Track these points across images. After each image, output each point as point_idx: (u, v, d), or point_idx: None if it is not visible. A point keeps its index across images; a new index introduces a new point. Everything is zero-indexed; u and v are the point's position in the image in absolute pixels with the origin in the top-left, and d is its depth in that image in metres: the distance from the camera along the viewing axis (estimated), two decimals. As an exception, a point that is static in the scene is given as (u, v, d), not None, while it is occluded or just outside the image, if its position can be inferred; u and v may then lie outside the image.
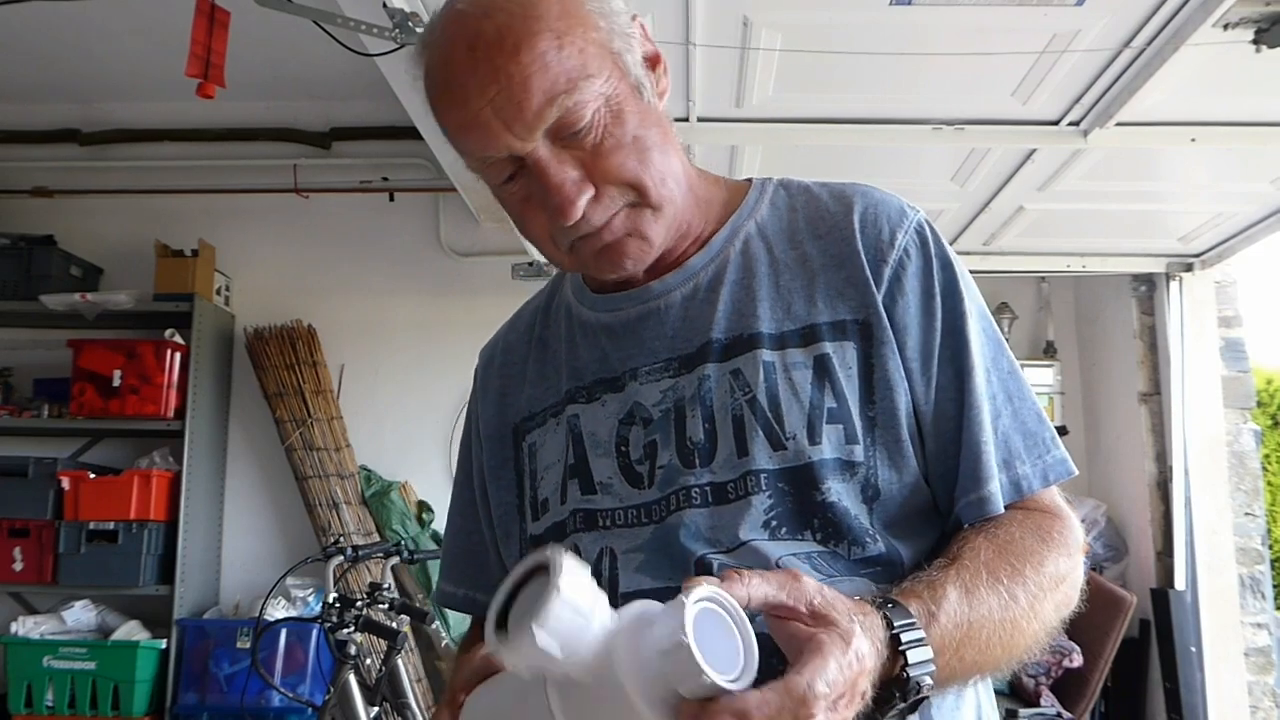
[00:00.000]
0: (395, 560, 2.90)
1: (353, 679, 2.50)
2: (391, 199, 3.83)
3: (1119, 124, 2.42)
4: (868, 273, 0.83)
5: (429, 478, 3.73)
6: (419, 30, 1.99)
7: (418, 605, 2.74)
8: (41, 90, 3.79)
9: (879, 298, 0.82)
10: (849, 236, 0.85)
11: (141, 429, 3.54)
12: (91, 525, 3.30)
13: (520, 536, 0.91)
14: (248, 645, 3.18)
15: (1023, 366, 0.87)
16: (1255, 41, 1.98)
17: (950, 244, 0.88)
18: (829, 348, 0.81)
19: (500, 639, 0.56)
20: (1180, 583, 3.49)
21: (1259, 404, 5.05)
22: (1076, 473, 0.83)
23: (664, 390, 0.84)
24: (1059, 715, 3.23)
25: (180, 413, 3.45)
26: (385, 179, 3.83)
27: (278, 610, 3.21)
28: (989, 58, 2.12)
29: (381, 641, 2.77)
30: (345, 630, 2.51)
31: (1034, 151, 2.64)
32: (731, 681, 0.54)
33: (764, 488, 0.78)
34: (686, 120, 2.47)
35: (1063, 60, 2.15)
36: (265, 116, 3.85)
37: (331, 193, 3.83)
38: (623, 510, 0.82)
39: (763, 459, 0.78)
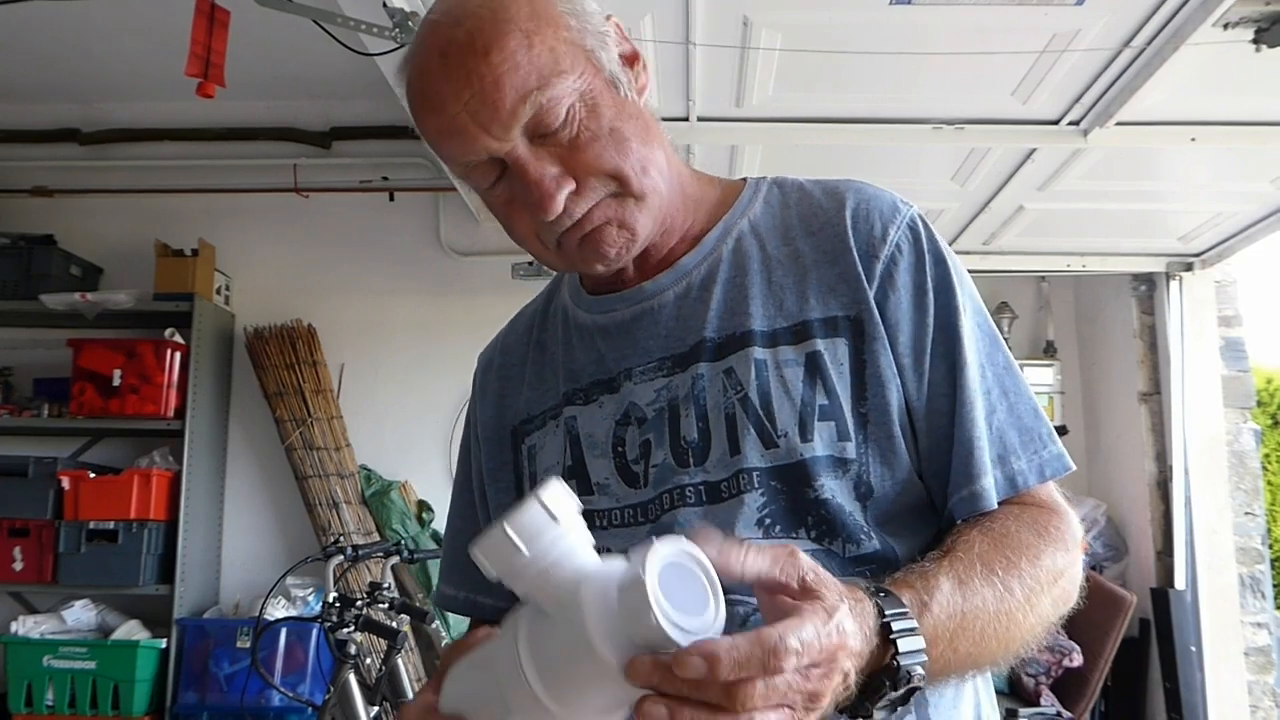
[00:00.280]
0: (395, 560, 2.90)
1: (353, 678, 2.50)
2: (391, 198, 3.83)
3: (1119, 123, 2.42)
4: (860, 268, 0.83)
5: (429, 477, 3.73)
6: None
7: (418, 605, 2.74)
8: (41, 90, 3.79)
9: (871, 293, 0.82)
10: (841, 232, 0.85)
11: (141, 429, 3.54)
12: (91, 525, 3.30)
13: None
14: (248, 645, 3.18)
15: (1023, 366, 0.87)
16: (1255, 41, 1.98)
17: (950, 244, 0.87)
18: (820, 344, 0.81)
19: (477, 543, 0.58)
20: (1180, 582, 3.49)
21: (1259, 404, 5.05)
22: (1074, 468, 0.83)
23: (658, 390, 0.84)
24: (1059, 715, 3.23)
25: (180, 412, 3.45)
26: (385, 178, 3.83)
27: (278, 610, 3.21)
28: (989, 57, 2.12)
29: (381, 641, 2.77)
30: (345, 630, 2.51)
31: (1034, 151, 2.64)
32: (685, 634, 0.53)
33: (756, 485, 0.78)
34: (686, 120, 2.47)
35: (1063, 60, 2.15)
36: (265, 116, 3.85)
37: (331, 192, 3.83)
38: (619, 510, 0.82)
39: (754, 457, 0.78)
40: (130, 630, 3.35)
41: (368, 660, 2.98)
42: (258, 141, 3.84)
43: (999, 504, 0.79)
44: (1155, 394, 3.70)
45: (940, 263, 0.84)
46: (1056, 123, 2.48)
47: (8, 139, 3.85)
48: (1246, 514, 3.70)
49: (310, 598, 3.37)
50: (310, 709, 3.06)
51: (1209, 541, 3.55)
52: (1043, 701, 3.26)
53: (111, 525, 3.30)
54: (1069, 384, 4.06)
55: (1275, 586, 3.98)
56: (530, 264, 3.58)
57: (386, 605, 2.61)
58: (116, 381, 3.40)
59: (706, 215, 0.90)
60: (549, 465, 0.89)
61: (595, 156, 0.78)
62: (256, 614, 2.89)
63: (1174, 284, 3.64)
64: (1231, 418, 3.74)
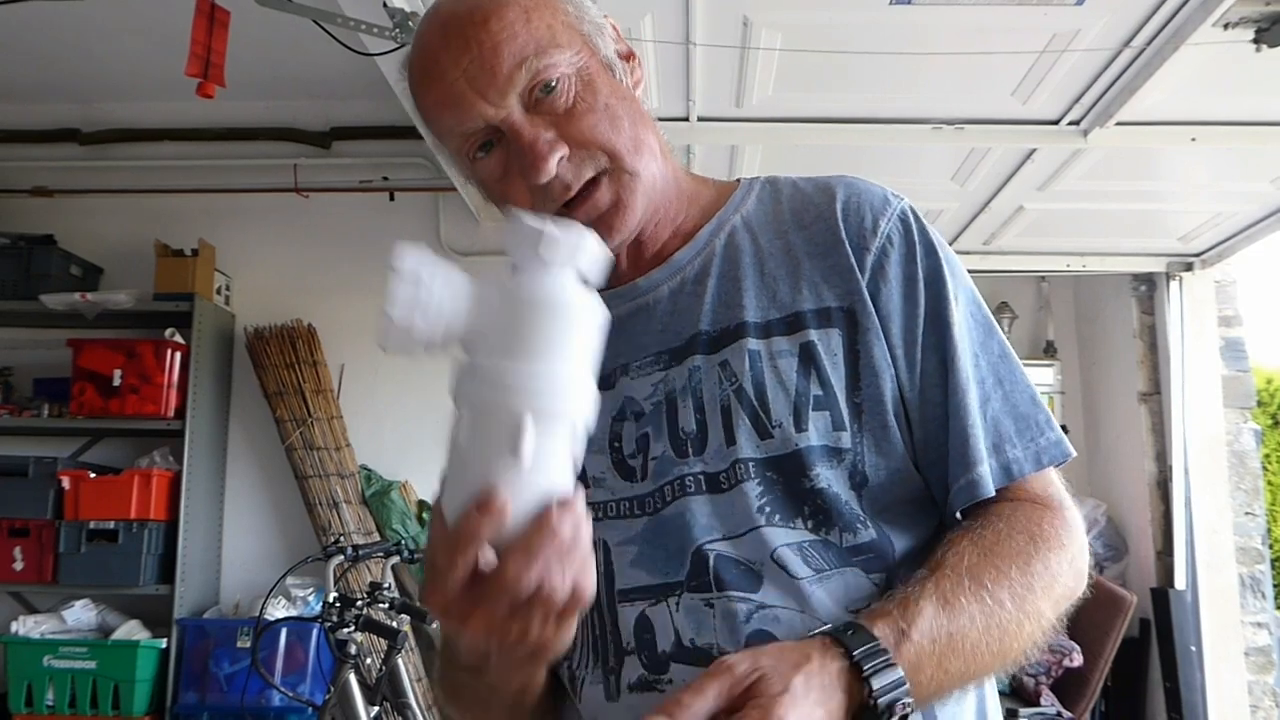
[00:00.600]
0: (395, 560, 2.90)
1: (353, 678, 2.50)
2: (391, 198, 3.83)
3: (1119, 123, 2.42)
4: (852, 260, 0.83)
5: (429, 477, 3.73)
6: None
7: (418, 605, 2.74)
8: (41, 90, 3.79)
9: (863, 284, 0.82)
10: (833, 225, 0.85)
11: (141, 429, 3.53)
12: (92, 525, 3.30)
13: None
14: (248, 645, 3.18)
15: (1024, 366, 0.87)
16: (1255, 41, 1.98)
17: (950, 243, 0.88)
18: (814, 335, 0.81)
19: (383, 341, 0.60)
20: (1180, 582, 3.49)
21: (1259, 404, 5.04)
22: (1074, 454, 0.83)
23: (654, 383, 0.84)
24: (1059, 715, 3.23)
25: (180, 412, 3.45)
26: (385, 178, 3.82)
27: (278, 610, 3.21)
28: (989, 57, 2.12)
29: (382, 641, 2.77)
30: (345, 630, 2.51)
31: (1034, 151, 2.64)
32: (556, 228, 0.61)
33: (753, 475, 0.78)
34: (686, 120, 2.48)
35: (1063, 60, 2.15)
36: (265, 116, 3.85)
37: (331, 192, 3.83)
38: (614, 503, 0.83)
39: (749, 448, 0.79)
40: (130, 630, 3.35)
41: (368, 660, 2.98)
42: (258, 141, 3.84)
43: (996, 495, 0.79)
44: (1155, 394, 3.70)
45: (931, 254, 0.84)
46: (1056, 123, 2.48)
47: (8, 139, 3.85)
48: (1246, 514, 3.70)
49: (310, 598, 3.37)
50: (310, 709, 3.06)
51: (1209, 541, 3.55)
52: (1043, 701, 3.26)
53: (112, 525, 3.30)
54: (1069, 384, 4.06)
55: (1275, 586, 3.98)
56: (530, 264, 3.58)
57: (387, 605, 2.61)
58: (116, 381, 3.40)
59: (700, 212, 0.91)
60: None
61: (590, 127, 0.79)
62: (257, 614, 2.89)
63: (1174, 284, 3.64)
64: (1231, 418, 3.74)
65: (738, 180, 0.95)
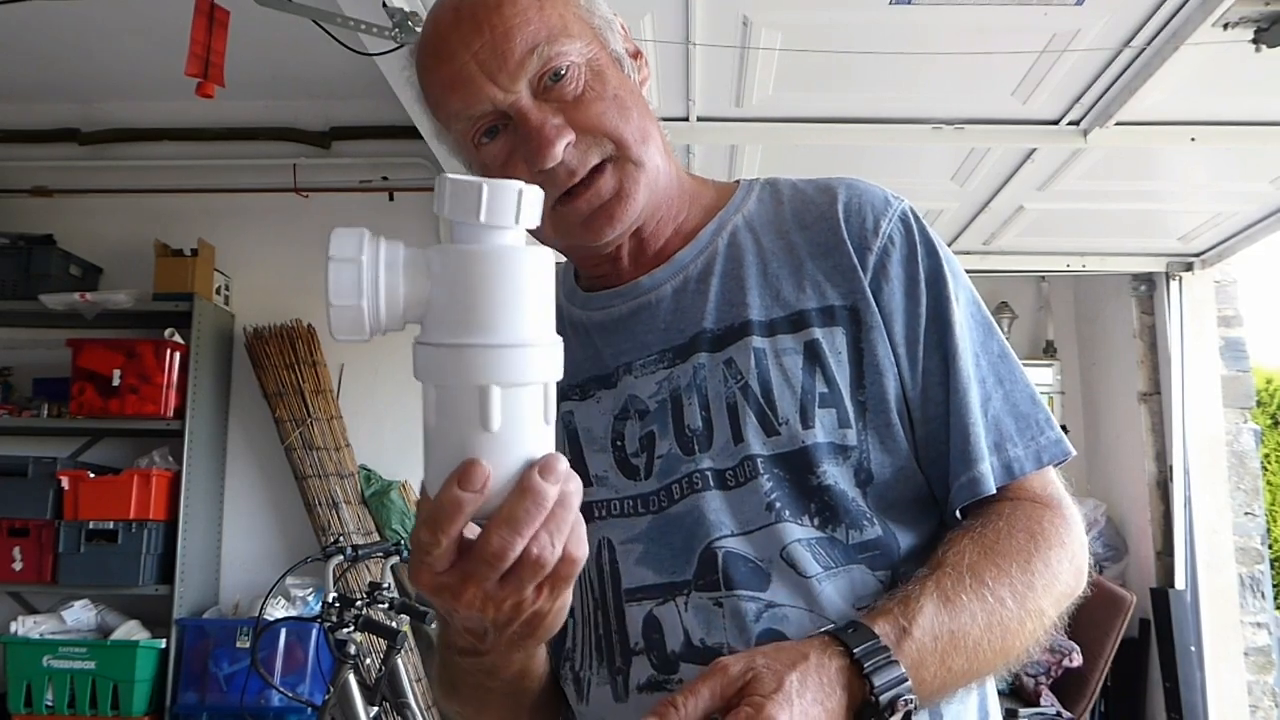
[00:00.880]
0: (395, 560, 2.90)
1: (352, 679, 2.50)
2: (391, 198, 3.83)
3: (1119, 123, 2.42)
4: (854, 260, 0.83)
5: (429, 477, 3.73)
6: (418, 30, 1.99)
7: (417, 605, 2.74)
8: (41, 90, 3.79)
9: (866, 284, 0.83)
10: (834, 225, 0.85)
11: (141, 429, 3.53)
12: (91, 525, 3.30)
13: None
14: (247, 645, 3.18)
15: (1023, 366, 0.87)
16: (1255, 41, 1.98)
17: (950, 244, 0.88)
18: (819, 333, 0.81)
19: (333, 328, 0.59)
20: (1180, 582, 3.49)
21: (1259, 404, 5.05)
22: (1074, 453, 0.83)
23: (659, 381, 0.84)
24: (1059, 715, 3.23)
25: (180, 412, 3.45)
26: (385, 178, 3.82)
27: (277, 610, 3.21)
28: (989, 57, 2.12)
29: (381, 641, 2.77)
30: (345, 630, 2.51)
31: (1034, 151, 2.64)
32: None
33: (762, 471, 0.78)
34: (686, 120, 2.47)
35: (1063, 60, 2.15)
36: (265, 116, 3.85)
37: (331, 192, 3.83)
38: (618, 501, 0.83)
39: (756, 445, 0.79)
40: (130, 630, 3.35)
41: (367, 660, 2.98)
42: (257, 141, 3.83)
43: (997, 494, 0.79)
44: (1155, 394, 3.70)
45: (932, 254, 0.85)
46: (1056, 123, 2.48)
47: (8, 139, 3.85)
48: (1246, 514, 3.70)
49: (310, 598, 3.37)
50: (310, 709, 3.06)
51: (1209, 541, 3.55)
52: (1043, 701, 3.26)
53: (111, 525, 3.30)
54: (1069, 384, 4.06)
55: (1275, 586, 3.98)
56: (530, 264, 3.58)
57: (386, 605, 2.61)
58: (116, 381, 3.40)
59: (701, 211, 0.91)
60: None
61: (598, 115, 0.79)
62: (256, 614, 2.88)
63: (1174, 284, 3.64)
64: (1231, 418, 3.74)
65: (737, 181, 0.95)
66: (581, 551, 0.60)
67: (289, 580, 3.28)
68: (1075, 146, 2.54)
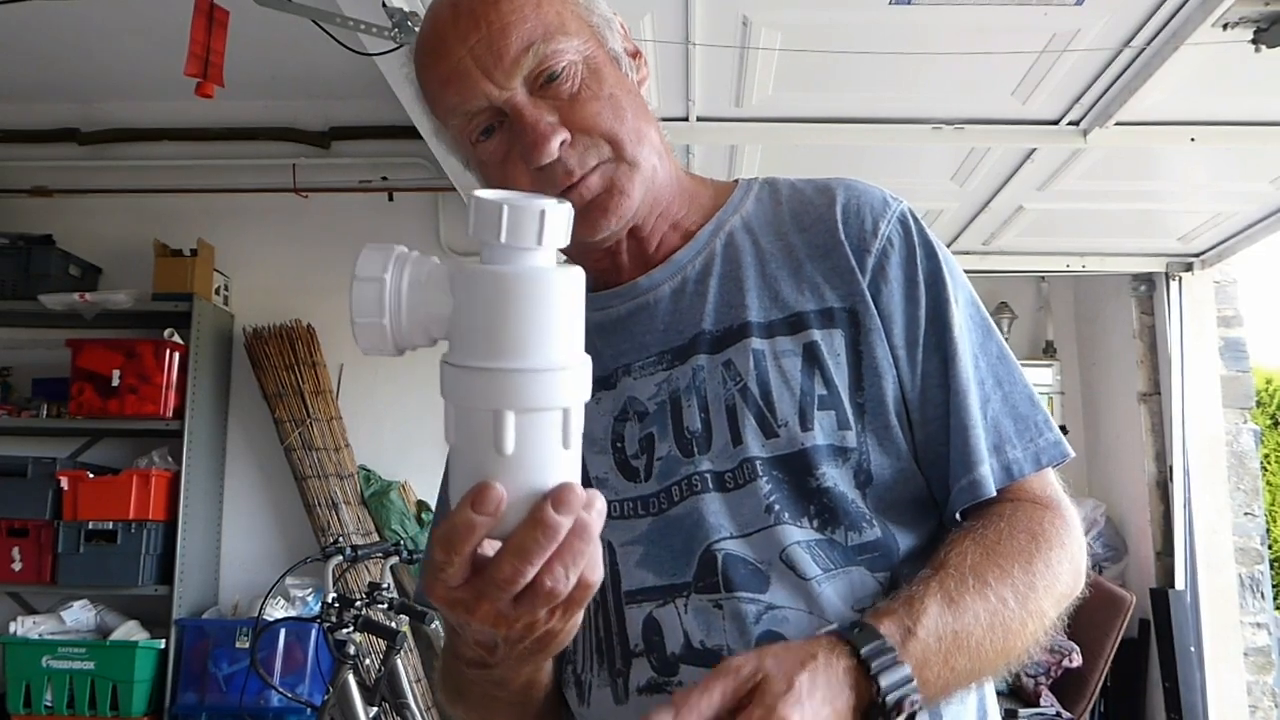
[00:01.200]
0: (394, 560, 2.90)
1: (352, 679, 2.50)
2: (391, 198, 3.83)
3: (1119, 123, 2.42)
4: (852, 261, 0.83)
5: (428, 477, 3.73)
6: (418, 30, 1.99)
7: (417, 605, 2.74)
8: (41, 90, 3.79)
9: (864, 285, 0.82)
10: (833, 227, 0.85)
11: (140, 429, 3.53)
12: (90, 525, 3.30)
13: None
14: (247, 645, 3.18)
15: (1022, 366, 0.87)
16: (1255, 41, 1.98)
17: (950, 244, 0.88)
18: (817, 335, 0.81)
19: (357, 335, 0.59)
20: (1180, 582, 3.49)
21: (1259, 404, 5.05)
22: (1072, 455, 0.83)
23: (658, 383, 0.84)
24: (1059, 715, 3.23)
25: (179, 412, 3.45)
26: (385, 178, 3.82)
27: (277, 610, 3.21)
28: (989, 57, 2.12)
29: (381, 641, 2.77)
30: (344, 630, 2.51)
31: (1034, 151, 2.64)
32: (521, 199, 0.57)
33: (761, 474, 0.78)
34: (686, 120, 2.47)
35: (1063, 60, 2.15)
36: (264, 116, 3.85)
37: (331, 192, 3.83)
38: (618, 503, 0.82)
39: (755, 447, 0.79)
40: (129, 631, 3.35)
41: (367, 661, 2.98)
42: (257, 141, 3.83)
43: (997, 495, 0.79)
44: (1155, 394, 3.70)
45: (931, 256, 0.84)
46: (1056, 123, 2.47)
47: (7, 139, 3.85)
48: (1246, 514, 3.70)
49: (309, 598, 3.37)
50: (309, 709, 3.06)
51: (1209, 541, 3.55)
52: (1042, 702, 3.26)
53: (110, 525, 3.30)
54: (1069, 384, 4.06)
55: (1275, 586, 3.98)
56: (530, 264, 3.57)
57: (386, 606, 2.61)
58: (115, 382, 3.40)
59: (699, 212, 0.91)
60: None
61: (594, 115, 0.79)
62: (255, 614, 2.88)
63: (1174, 284, 3.64)
64: (1231, 418, 3.74)
65: (735, 181, 0.95)
66: (596, 576, 0.60)
67: (288, 580, 3.28)
68: (1075, 146, 2.54)
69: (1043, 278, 4.04)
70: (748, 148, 2.71)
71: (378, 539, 3.55)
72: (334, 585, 2.65)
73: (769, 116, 2.49)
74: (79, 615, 3.37)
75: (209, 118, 3.74)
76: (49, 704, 3.20)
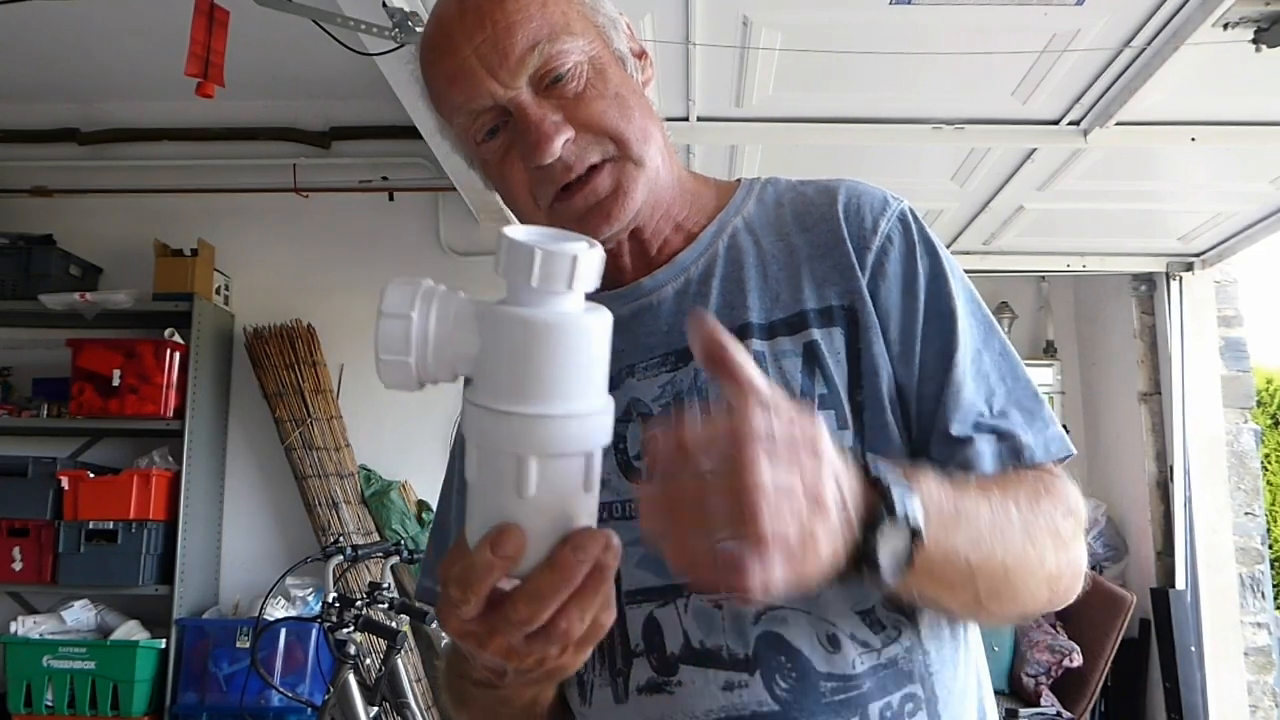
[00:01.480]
0: (395, 560, 2.90)
1: (352, 679, 2.50)
2: (391, 198, 3.83)
3: (1119, 123, 2.42)
4: (853, 259, 0.83)
5: (429, 477, 3.73)
6: (419, 30, 1.99)
7: (417, 605, 2.74)
8: (41, 90, 3.79)
9: (864, 283, 0.82)
10: (835, 226, 0.85)
11: (141, 429, 3.53)
12: (91, 525, 3.30)
13: None
14: (247, 645, 3.18)
15: (1024, 364, 0.86)
16: (1255, 41, 1.98)
17: (950, 244, 0.88)
18: (817, 334, 0.81)
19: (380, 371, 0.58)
20: (1180, 582, 3.49)
21: (1259, 404, 5.05)
22: (1075, 452, 0.82)
23: (662, 385, 0.84)
24: (1059, 715, 3.23)
25: (180, 412, 3.45)
26: (385, 178, 3.82)
27: (277, 610, 3.21)
28: (989, 58, 2.12)
29: (381, 641, 2.77)
30: (345, 630, 2.51)
31: (1034, 151, 2.64)
32: (555, 243, 0.55)
33: None
34: (686, 120, 2.47)
35: (1063, 60, 2.15)
36: (265, 116, 3.85)
37: (331, 192, 3.83)
38: (620, 503, 0.82)
39: None
40: (129, 630, 3.35)
41: (367, 660, 2.98)
42: (257, 141, 3.83)
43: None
44: (1155, 394, 3.70)
45: (932, 253, 0.84)
46: (1056, 123, 2.48)
47: (8, 139, 3.84)
48: (1246, 514, 3.70)
49: (310, 598, 3.37)
50: (310, 709, 3.06)
51: (1209, 541, 3.55)
52: (1043, 701, 3.26)
53: (111, 525, 3.30)
54: (1069, 384, 4.06)
55: (1275, 586, 3.98)
56: (530, 264, 3.57)
57: (386, 605, 2.61)
58: (116, 381, 3.40)
59: (702, 213, 0.91)
60: None
61: (599, 113, 0.79)
62: (256, 614, 2.89)
63: (1174, 284, 3.64)
64: (1231, 418, 3.74)
65: (738, 181, 0.95)
66: (609, 618, 0.60)
67: (289, 580, 3.28)
68: (1075, 146, 2.54)
69: (1043, 278, 4.04)
70: (748, 148, 2.72)
71: (378, 539, 3.55)
72: (334, 585, 2.65)
73: (769, 116, 2.49)
74: (79, 615, 3.37)
75: (209, 118, 3.74)
76: (49, 704, 3.20)
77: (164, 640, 3.33)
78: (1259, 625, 3.64)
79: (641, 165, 0.82)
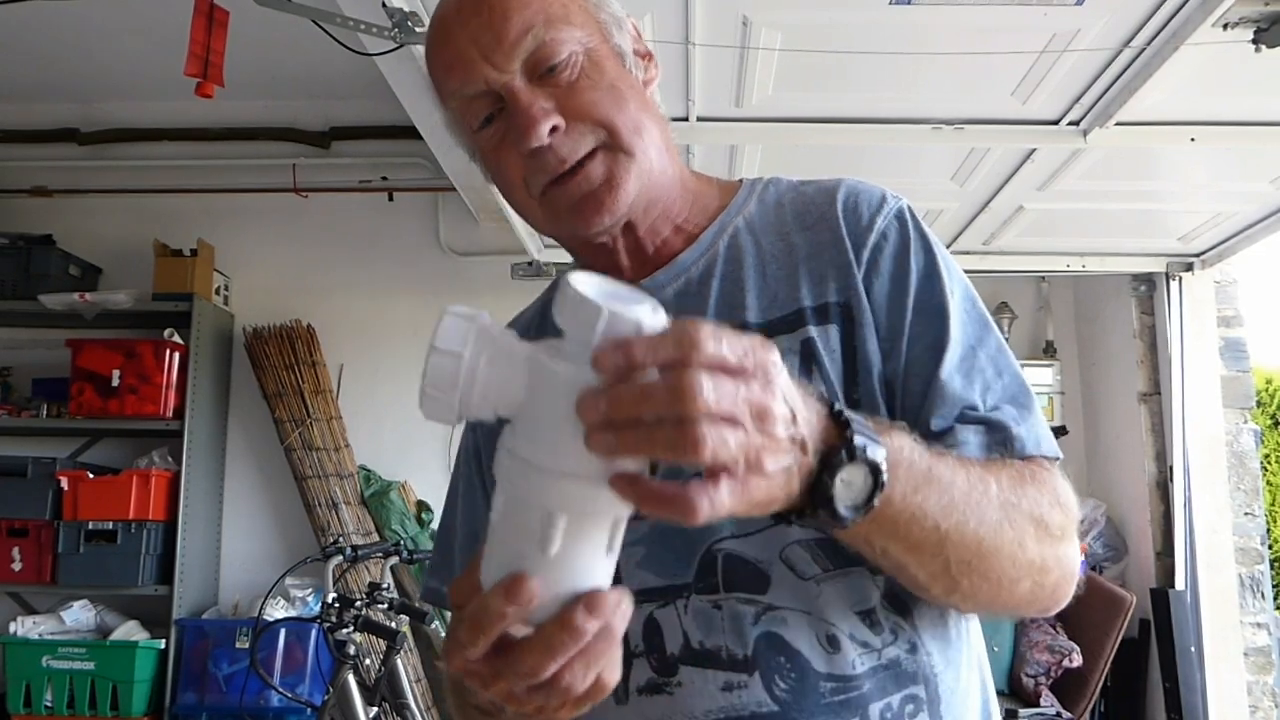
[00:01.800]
0: (394, 560, 2.90)
1: (352, 679, 2.50)
2: (391, 199, 3.83)
3: (1119, 124, 2.42)
4: (850, 255, 0.83)
5: (428, 477, 3.73)
6: (419, 30, 1.99)
7: (417, 605, 2.74)
8: (41, 90, 3.79)
9: (859, 279, 0.82)
10: (834, 223, 0.85)
11: (140, 429, 3.53)
12: (90, 525, 3.30)
13: None
14: (247, 645, 3.18)
15: (1022, 366, 0.86)
16: (1255, 41, 1.98)
17: (950, 244, 0.88)
18: (814, 331, 0.81)
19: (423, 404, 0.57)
20: (1180, 582, 3.48)
21: (1259, 404, 5.05)
22: (1063, 457, 0.82)
23: None
24: (1059, 715, 3.23)
25: (179, 412, 3.45)
26: (385, 178, 3.82)
27: (277, 610, 3.21)
28: (989, 58, 2.12)
29: (381, 641, 2.77)
30: (344, 630, 2.51)
31: (1034, 151, 2.64)
32: (623, 306, 0.53)
33: None
34: (686, 120, 2.47)
35: (1063, 60, 2.15)
36: (264, 116, 3.85)
37: (331, 192, 3.83)
38: None
39: None
40: (129, 631, 3.35)
41: (367, 661, 2.98)
42: (257, 141, 3.83)
43: None
44: (1155, 394, 3.70)
45: (927, 250, 0.84)
46: (1056, 123, 2.47)
47: (7, 139, 3.85)
48: (1246, 514, 3.70)
49: (309, 598, 3.37)
50: (309, 709, 3.06)
51: (1209, 541, 3.54)
52: (1043, 702, 3.26)
53: (110, 525, 3.30)
54: (1069, 384, 4.06)
55: (1275, 586, 3.99)
56: (529, 264, 3.58)
57: (386, 606, 2.61)
58: (115, 382, 3.40)
59: (704, 214, 0.91)
60: None
61: (591, 103, 0.80)
62: (256, 614, 2.89)
63: (1174, 284, 3.64)
64: (1231, 418, 3.74)
65: (739, 180, 0.95)
66: (614, 678, 0.60)
67: (288, 580, 3.28)
68: (1075, 146, 2.54)
69: (1043, 278, 4.04)
70: (748, 148, 2.71)
71: (378, 539, 3.55)
72: (334, 585, 2.65)
73: (769, 116, 2.49)
74: (79, 615, 3.37)
75: (209, 118, 3.74)
76: (49, 704, 3.20)
77: (163, 640, 3.33)
78: (1259, 625, 3.64)
79: (632, 155, 0.81)
